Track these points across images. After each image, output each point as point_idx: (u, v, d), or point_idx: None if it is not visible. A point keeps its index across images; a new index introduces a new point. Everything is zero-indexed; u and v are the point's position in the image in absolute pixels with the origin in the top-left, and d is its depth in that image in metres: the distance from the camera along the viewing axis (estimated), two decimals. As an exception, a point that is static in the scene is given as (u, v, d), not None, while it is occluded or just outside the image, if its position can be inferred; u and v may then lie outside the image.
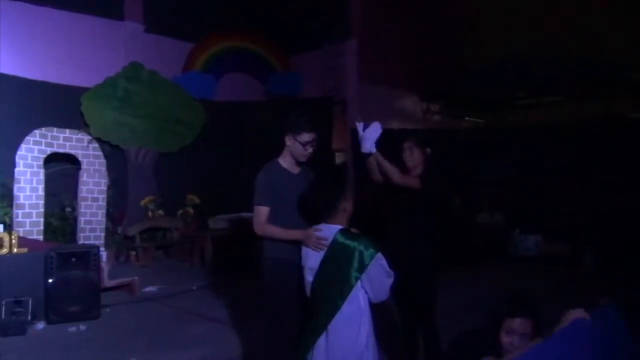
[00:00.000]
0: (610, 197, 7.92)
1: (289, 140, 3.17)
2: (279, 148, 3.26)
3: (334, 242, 2.63)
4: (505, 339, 2.41)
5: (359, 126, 3.32)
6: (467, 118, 11.81)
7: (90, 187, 7.07)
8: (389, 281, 2.60)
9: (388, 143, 3.36)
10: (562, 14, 10.92)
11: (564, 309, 2.31)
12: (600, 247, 7.91)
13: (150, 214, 8.72)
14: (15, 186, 6.42)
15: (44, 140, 6.78)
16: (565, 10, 10.94)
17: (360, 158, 3.45)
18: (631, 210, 7.70)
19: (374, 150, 3.28)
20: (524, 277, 7.26)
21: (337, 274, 2.58)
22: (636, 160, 7.78)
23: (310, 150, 3.16)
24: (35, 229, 6.45)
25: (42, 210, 6.58)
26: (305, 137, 3.12)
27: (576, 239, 8.26)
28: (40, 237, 6.44)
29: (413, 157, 3.49)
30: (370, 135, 3.25)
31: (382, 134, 3.25)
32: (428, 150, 3.53)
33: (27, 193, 6.49)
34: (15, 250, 5.30)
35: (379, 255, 2.57)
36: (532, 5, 11.14)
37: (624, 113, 8.94)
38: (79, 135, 7.14)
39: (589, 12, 10.67)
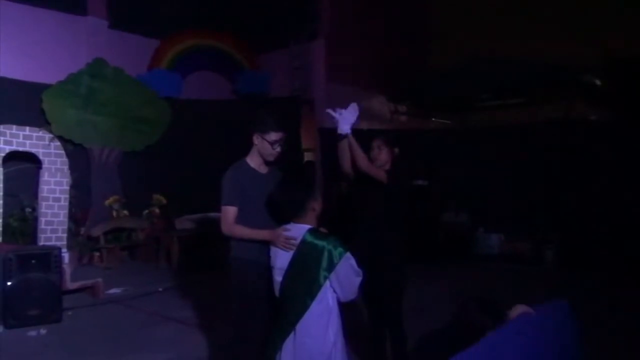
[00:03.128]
0: (569, 197, 8.18)
1: (256, 140, 3.15)
2: (247, 147, 3.24)
3: (303, 241, 2.64)
4: None
5: (332, 112, 3.31)
6: (433, 119, 12.01)
7: (52, 186, 6.87)
8: (357, 280, 2.62)
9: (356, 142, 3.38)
10: (525, 19, 11.26)
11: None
12: (560, 245, 8.16)
13: (114, 214, 8.54)
14: (-28, 186, 6.20)
15: (2, 138, 6.57)
16: (527, 16, 11.29)
17: (328, 157, 3.47)
18: (589, 209, 7.97)
19: (349, 131, 3.28)
20: (487, 276, 7.42)
21: (306, 274, 2.58)
22: (593, 161, 8.06)
23: (278, 149, 3.15)
24: (-7, 230, 6.25)
25: (0, 210, 6.36)
26: (273, 136, 3.10)
27: (537, 238, 8.50)
28: (-1, 239, 6.24)
29: (381, 155, 3.52)
30: (347, 116, 3.25)
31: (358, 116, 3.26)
32: (396, 150, 3.57)
33: (-15, 193, 6.27)
34: (-29, 252, 5.11)
35: (348, 254, 2.58)
36: (496, 11, 11.44)
37: (581, 115, 9.24)
38: (40, 133, 6.95)
39: (548, 18, 11.03)
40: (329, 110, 3.33)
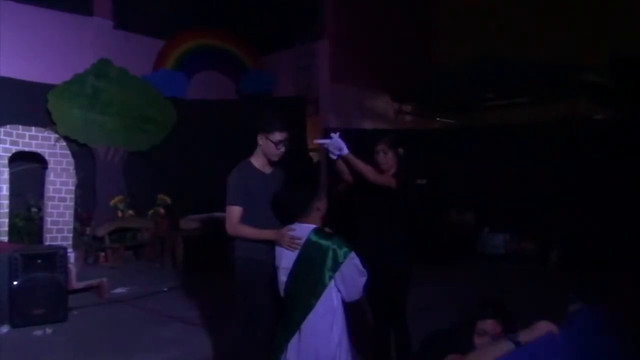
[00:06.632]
0: (574, 196, 8.14)
1: (261, 139, 3.15)
2: (251, 147, 3.24)
3: (308, 241, 2.64)
4: (477, 340, 2.47)
5: (324, 141, 3.27)
6: (437, 118, 12.00)
7: (57, 186, 6.91)
8: (362, 280, 2.62)
9: (361, 143, 3.36)
10: (529, 19, 11.23)
11: (531, 306, 2.36)
12: (565, 246, 8.13)
13: (119, 214, 8.56)
14: (-22, 186, 6.24)
15: (8, 139, 6.61)
16: (532, 15, 11.26)
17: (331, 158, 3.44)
18: (595, 209, 7.93)
19: (345, 152, 3.21)
20: (492, 276, 7.40)
21: (311, 273, 2.59)
22: (598, 160, 8.02)
23: (282, 149, 3.14)
24: (-1, 229, 6.28)
25: (6, 210, 6.40)
26: (278, 136, 3.10)
27: (542, 238, 8.47)
28: (5, 238, 6.27)
29: (387, 159, 3.49)
30: (333, 144, 3.17)
31: (348, 140, 3.20)
32: (400, 150, 3.55)
33: (-9, 193, 6.31)
34: (-22, 251, 5.14)
35: (353, 254, 2.59)
36: (501, 10, 11.42)
37: (585, 114, 9.21)
38: (46, 134, 6.98)
39: (553, 18, 11.00)
40: (318, 141, 3.35)
